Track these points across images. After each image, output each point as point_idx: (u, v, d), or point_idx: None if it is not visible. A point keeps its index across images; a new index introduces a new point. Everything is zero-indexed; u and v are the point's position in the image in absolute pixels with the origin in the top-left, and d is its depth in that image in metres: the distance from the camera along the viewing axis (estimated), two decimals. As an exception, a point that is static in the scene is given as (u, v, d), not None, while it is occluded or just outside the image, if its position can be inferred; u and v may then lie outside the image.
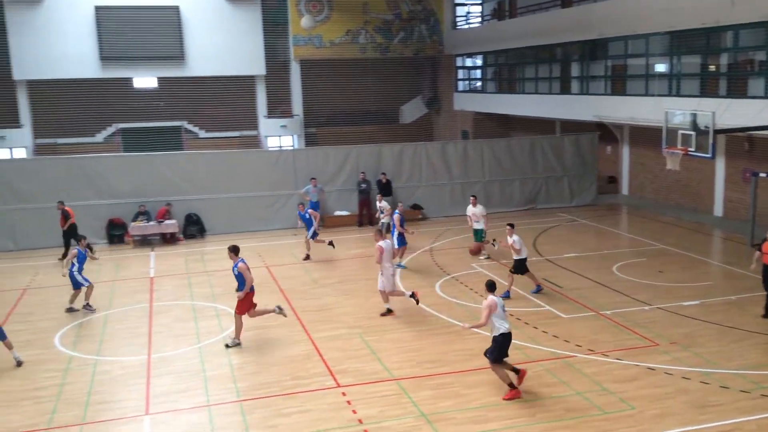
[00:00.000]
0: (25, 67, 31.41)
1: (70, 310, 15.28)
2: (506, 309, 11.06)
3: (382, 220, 20.42)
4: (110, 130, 34.41)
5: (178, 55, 32.98)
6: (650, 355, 12.10)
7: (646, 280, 16.50)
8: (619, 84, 25.17)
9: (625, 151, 27.16)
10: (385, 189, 23.78)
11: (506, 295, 15.32)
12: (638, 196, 26.62)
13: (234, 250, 13.15)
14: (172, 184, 22.61)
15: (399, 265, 17.80)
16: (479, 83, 36.27)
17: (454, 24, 36.75)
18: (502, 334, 10.61)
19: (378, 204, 21.07)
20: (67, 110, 33.16)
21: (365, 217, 23.97)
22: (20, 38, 31.09)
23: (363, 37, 35.51)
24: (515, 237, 15.39)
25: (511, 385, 10.60)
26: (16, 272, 18.81)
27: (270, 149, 33.57)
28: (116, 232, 22.09)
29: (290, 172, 23.68)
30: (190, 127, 35.35)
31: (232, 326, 13.35)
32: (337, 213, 24.05)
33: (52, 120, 33.20)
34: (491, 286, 10.93)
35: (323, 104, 36.54)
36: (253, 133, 35.79)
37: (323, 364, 12.15)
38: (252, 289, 13.11)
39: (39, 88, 32.77)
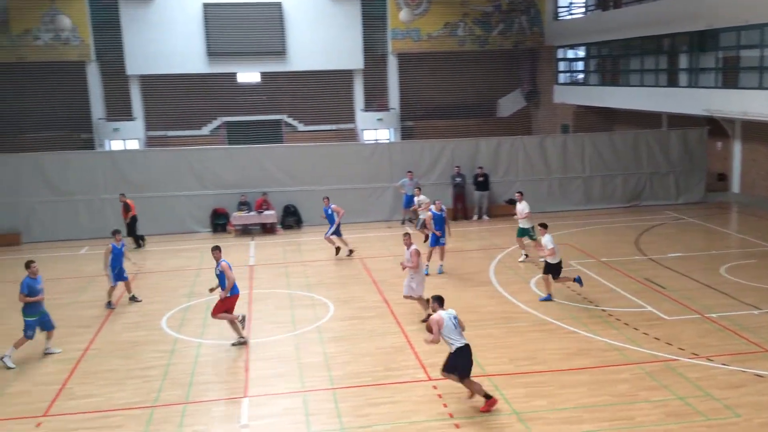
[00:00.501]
0: (138, 62, 33.05)
1: (108, 304, 15.40)
2: (458, 324, 10.20)
3: (420, 216, 20.17)
4: (215, 123, 35.73)
5: (279, 50, 33.82)
6: (758, 362, 11.44)
7: (755, 283, 15.59)
8: (730, 76, 23.84)
9: (737, 147, 25.71)
10: (482, 183, 23.56)
11: (548, 298, 14.91)
12: (750, 194, 25.16)
13: (217, 249, 13.10)
14: (272, 175, 23.26)
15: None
16: (581, 75, 35.27)
17: (556, 15, 35.84)
18: (458, 349, 10.07)
19: (416, 198, 20.70)
20: (176, 104, 34.75)
21: (459, 212, 23.83)
22: (134, 35, 32.73)
23: (461, 29, 35.25)
24: (547, 237, 14.83)
25: (486, 396, 10.12)
26: (137, 257, 19.81)
27: (366, 142, 33.92)
28: (219, 222, 22.94)
29: (386, 165, 23.85)
30: (289, 120, 36.22)
31: (326, 316, 13.62)
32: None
33: (162, 113, 34.86)
34: (440, 301, 10.46)
35: (420, 97, 36.57)
36: (350, 126, 36.28)
37: (415, 356, 12.19)
38: (236, 292, 12.87)
39: (150, 83, 34.45)
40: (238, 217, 22.50)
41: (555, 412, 10.04)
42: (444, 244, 17.18)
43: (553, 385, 10.88)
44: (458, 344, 10.06)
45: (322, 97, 35.81)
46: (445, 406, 10.32)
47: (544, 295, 15.00)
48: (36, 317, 12.50)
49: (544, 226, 15.21)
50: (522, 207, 18.30)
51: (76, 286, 17.15)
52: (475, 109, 36.99)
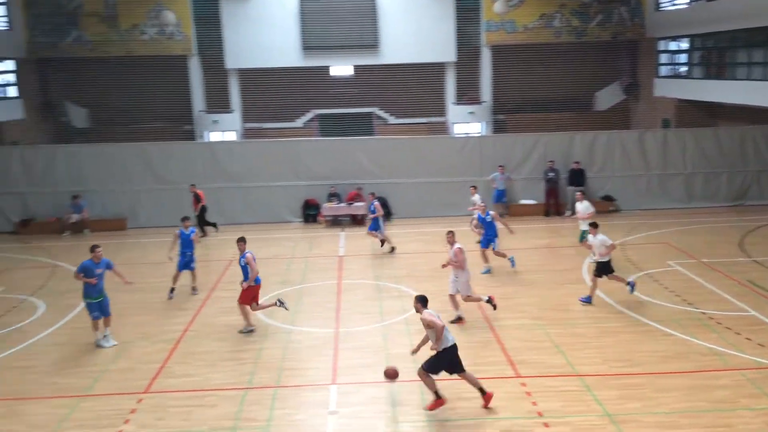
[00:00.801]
0: (237, 56, 34.05)
1: (171, 291, 15.65)
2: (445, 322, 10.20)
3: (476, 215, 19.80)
4: (309, 115, 36.39)
5: (372, 44, 34.04)
6: None
7: None
8: None
9: None
10: (577, 178, 22.98)
11: (587, 300, 14.38)
12: None
13: (242, 241, 13.45)
14: (363, 168, 23.51)
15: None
16: (684, 68, 33.73)
17: (658, 5, 34.40)
18: (445, 349, 9.91)
19: (472, 197, 20.15)
20: (271, 97, 35.61)
21: (552, 207, 23.34)
22: (233, 30, 33.74)
23: (558, 20, 34.38)
24: (600, 237, 14.19)
25: (436, 394, 10.00)
26: (224, 245, 20.54)
27: (457, 135, 33.70)
28: (311, 212, 23.40)
29: (477, 158, 23.64)
30: (381, 113, 36.44)
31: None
32: (523, 202, 23.64)
33: (258, 105, 35.83)
34: (424, 301, 10.23)
35: (513, 90, 35.94)
36: (441, 119, 36.12)
37: (503, 352, 12.06)
38: (258, 282, 13.25)
39: (248, 76, 35.44)
40: (328, 208, 22.87)
41: (649, 415, 9.71)
42: (484, 246, 16.87)
43: (648, 388, 10.51)
44: (447, 344, 9.94)
45: (413, 89, 35.81)
46: (534, 404, 10.16)
47: (584, 295, 14.55)
48: (95, 299, 12.71)
49: (594, 225, 14.64)
50: (583, 207, 17.62)
51: (168, 271, 17.85)
52: (570, 102, 36.04)
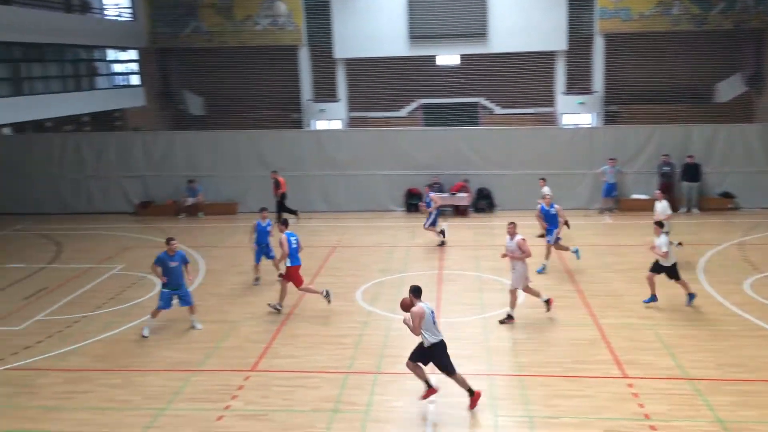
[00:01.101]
0: (345, 46, 34.54)
1: (256, 279, 15.93)
2: (436, 320, 9.86)
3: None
4: (413, 105, 36.46)
5: (480, 33, 33.62)
6: None
7: None
8: None
9: None
10: (692, 172, 21.87)
11: (652, 299, 13.65)
12: None
13: (284, 223, 14.09)
14: (466, 158, 23.32)
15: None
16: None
17: (787, -9, 32.13)
18: (433, 345, 9.60)
19: (541, 189, 19.32)
20: (377, 86, 35.91)
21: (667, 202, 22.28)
22: (342, 20, 34.22)
23: (677, 8, 32.72)
24: (663, 238, 13.28)
25: (427, 383, 9.83)
26: (328, 231, 20.96)
27: (565, 126, 32.82)
28: (413, 201, 23.46)
29: (586, 150, 22.93)
30: (486, 103, 35.99)
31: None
32: (635, 196, 22.71)
33: (363, 95, 36.24)
34: (418, 292, 9.79)
35: (626, 80, 34.56)
36: (549, 110, 35.27)
37: (609, 351, 11.69)
38: (296, 263, 13.72)
39: (355, 66, 35.88)
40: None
41: (766, 425, 9.15)
42: (549, 242, 16.28)
43: (766, 396, 9.90)
44: (434, 341, 9.66)
45: (521, 79, 35.09)
46: (641, 406, 9.80)
47: (648, 296, 13.79)
48: (169, 289, 12.92)
49: (660, 224, 13.83)
50: (662, 207, 16.52)
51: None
52: (687, 93, 34.29)
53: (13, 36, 25.52)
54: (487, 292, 15.00)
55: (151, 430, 9.55)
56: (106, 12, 35.32)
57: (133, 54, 35.29)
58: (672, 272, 13.59)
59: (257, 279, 16.00)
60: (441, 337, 9.79)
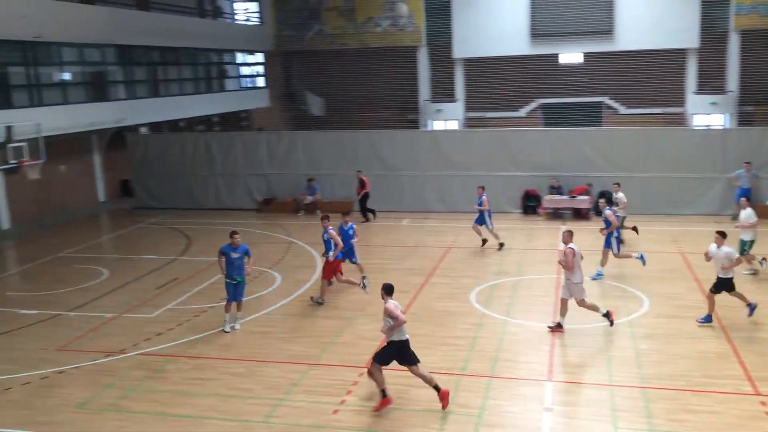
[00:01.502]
0: (465, 46, 34.41)
1: (329, 283, 15.41)
2: None
3: (617, 213, 17.77)
4: (532, 105, 35.78)
5: (606, 30, 32.52)
6: None
7: None
8: None
9: None
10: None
11: (707, 320, 12.53)
12: None
13: (326, 219, 14.60)
14: (588, 160, 22.59)
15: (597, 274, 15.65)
16: None
17: None
18: (400, 341, 9.81)
19: (615, 195, 18.28)
20: (495, 86, 35.53)
21: (807, 211, 20.65)
22: (462, 19, 34.11)
23: (823, 0, 30.30)
24: (725, 249, 12.23)
25: (383, 392, 9.90)
26: (443, 231, 20.93)
27: (695, 128, 31.11)
28: (531, 204, 23.01)
29: (717, 153, 21.64)
30: (610, 102, 34.75)
31: (639, 310, 12.93)
32: (772, 202, 21.21)
33: (481, 95, 35.94)
34: (389, 290, 10.04)
35: (763, 80, 32.33)
36: (678, 110, 33.58)
37: (740, 366, 10.96)
38: (339, 257, 14.40)
39: (473, 65, 35.68)
40: (549, 200, 22.32)
41: None
42: (607, 247, 15.79)
43: None
44: (402, 338, 9.83)
45: (648, 78, 33.62)
46: (776, 427, 9.13)
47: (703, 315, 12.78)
48: (233, 281, 13.15)
49: (722, 235, 12.71)
50: (746, 215, 15.34)
51: (398, 254, 18.58)
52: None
53: (151, 40, 27.27)
54: (607, 299, 14.45)
55: (272, 419, 9.89)
56: (236, 17, 37.02)
57: (259, 57, 36.76)
58: (726, 285, 12.71)
59: (330, 282, 15.52)
60: (406, 336, 9.95)
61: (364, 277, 14.87)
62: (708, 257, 12.90)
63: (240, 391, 10.74)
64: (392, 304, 9.90)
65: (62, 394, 10.86)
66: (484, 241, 18.89)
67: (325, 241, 14.51)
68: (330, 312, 14.22)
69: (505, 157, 23.21)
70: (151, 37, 27.06)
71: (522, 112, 35.89)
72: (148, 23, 27.13)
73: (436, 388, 9.92)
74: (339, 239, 14.44)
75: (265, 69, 36.92)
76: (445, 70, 35.94)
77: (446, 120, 36.25)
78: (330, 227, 14.51)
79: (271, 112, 37.55)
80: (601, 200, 16.89)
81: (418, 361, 9.96)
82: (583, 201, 22.04)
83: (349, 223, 15.60)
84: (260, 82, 36.92)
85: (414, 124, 36.27)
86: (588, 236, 19.86)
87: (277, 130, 34.96)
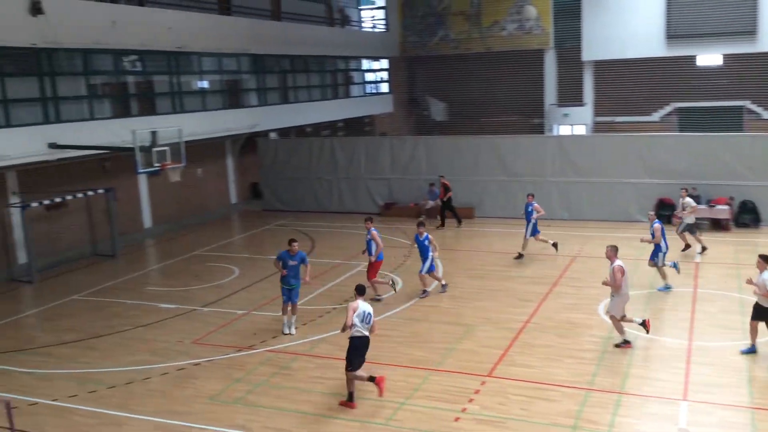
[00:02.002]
0: (594, 48, 33.28)
1: (423, 292, 15.56)
2: (368, 320, 10.45)
3: (685, 220, 17.66)
4: (667, 109, 34.07)
5: (748, 30, 30.44)
6: None
7: None
8: None
9: None
10: None
11: (750, 351, 11.27)
12: None
13: (369, 220, 15.39)
14: (727, 167, 21.20)
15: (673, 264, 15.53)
16: None
17: None
18: (358, 338, 10.33)
19: (681, 199, 17.74)
20: (626, 89, 34.14)
21: None
22: (593, 21, 33.01)
23: None
24: (766, 275, 10.76)
25: (351, 395, 10.42)
26: (568, 240, 20.30)
27: None
28: (665, 212, 21.84)
29: None
30: (753, 107, 32.50)
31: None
32: None
33: (611, 99, 34.65)
34: (360, 290, 10.81)
35: None
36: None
37: None
38: (380, 258, 15.02)
39: (603, 68, 34.45)
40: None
41: None
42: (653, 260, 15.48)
43: None
44: (360, 334, 10.32)
45: (797, 80, 31.19)
46: None
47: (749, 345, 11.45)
48: (288, 286, 13.49)
49: (765, 259, 11.30)
50: None
51: (518, 262, 18.19)
52: None
53: (283, 49, 28.32)
54: (746, 315, 13.45)
55: (392, 422, 9.94)
56: (362, 24, 37.79)
57: (384, 63, 37.32)
58: (763, 314, 11.41)
59: (424, 292, 15.58)
60: (366, 334, 10.47)
61: (394, 283, 15.41)
62: (749, 282, 11.73)
63: (362, 393, 10.86)
64: (355, 303, 10.46)
65: (196, 386, 11.44)
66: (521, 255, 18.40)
67: (367, 241, 15.16)
68: (450, 318, 14.13)
69: (637, 163, 22.22)
70: (283, 46, 28.10)
71: (655, 116, 34.26)
72: (280, 33, 28.20)
73: (371, 378, 10.42)
74: (380, 240, 15.09)
75: (390, 75, 37.42)
76: (572, 73, 34.96)
77: (573, 125, 35.23)
78: (373, 228, 15.22)
79: (393, 117, 38.00)
80: (650, 213, 16.32)
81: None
82: (723, 211, 20.71)
83: (425, 234, 15.38)
84: (384, 87, 37.45)
85: (539, 128, 35.52)
86: (728, 249, 18.69)
87: (400, 135, 35.32)
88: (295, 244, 13.53)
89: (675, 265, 15.69)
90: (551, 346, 12.44)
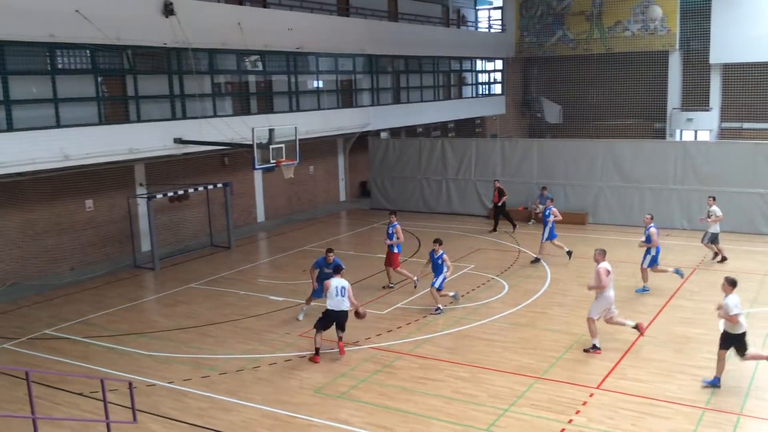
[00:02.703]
0: (723, 50, 31.51)
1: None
2: (343, 293, 12.28)
3: (710, 230, 17.57)
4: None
5: None
6: None
7: None
8: None
9: None
10: None
11: (713, 383, 10.64)
12: None
13: (393, 213, 16.87)
14: None
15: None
16: None
17: None
18: (326, 310, 12.35)
19: (709, 208, 17.61)
20: (756, 94, 32.07)
21: None
22: (722, 22, 31.27)
23: None
24: (734, 298, 9.85)
25: (317, 351, 12.30)
26: (688, 251, 19.30)
27: None
28: (795, 226, 20.42)
29: None
30: None
31: None
32: None
33: (739, 104, 32.67)
34: (338, 270, 12.83)
35: None
36: None
37: None
38: (399, 249, 16.27)
39: (733, 71, 32.55)
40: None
41: None
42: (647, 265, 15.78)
43: None
44: (329, 307, 12.29)
45: None
46: None
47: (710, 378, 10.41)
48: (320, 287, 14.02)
49: (730, 282, 10.29)
50: None
51: (634, 271, 17.43)
52: None
53: (398, 50, 28.57)
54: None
55: (495, 428, 9.78)
56: (479, 25, 37.53)
57: (498, 64, 36.90)
58: (739, 344, 10.33)
59: (436, 310, 14.92)
60: (332, 308, 12.28)
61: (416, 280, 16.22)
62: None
63: (464, 396, 10.77)
64: (332, 280, 12.43)
65: (302, 377, 11.73)
66: (569, 253, 18.59)
67: (389, 234, 16.37)
68: (559, 326, 13.76)
69: (765, 172, 20.85)
70: (398, 46, 28.34)
71: (789, 123, 32.04)
72: (396, 33, 28.45)
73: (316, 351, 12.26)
74: (402, 234, 16.36)
75: (503, 76, 36.93)
76: (699, 76, 33.23)
77: (696, 130, 33.51)
78: (396, 222, 16.43)
79: (504, 119, 37.48)
80: (647, 216, 16.39)
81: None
82: None
83: (440, 251, 14.71)
84: (497, 89, 37.00)
85: (659, 133, 34.01)
86: None
87: (511, 136, 34.78)
88: (331, 254, 14.01)
89: (678, 272, 15.97)
90: (665, 360, 11.86)
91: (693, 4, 32.36)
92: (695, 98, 33.61)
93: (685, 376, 11.24)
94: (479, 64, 35.84)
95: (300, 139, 19.82)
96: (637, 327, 12.59)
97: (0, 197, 17.27)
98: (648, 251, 15.84)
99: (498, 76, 36.97)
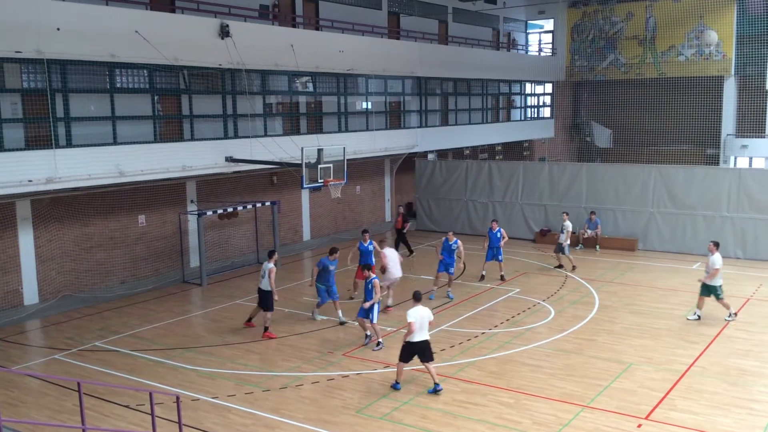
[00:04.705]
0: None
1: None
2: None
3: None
4: None
5: None
6: None
7: None
8: None
9: None
10: None
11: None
12: None
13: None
14: None
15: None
16: None
17: None
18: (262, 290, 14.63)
19: None
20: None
21: None
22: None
23: None
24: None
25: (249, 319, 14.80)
26: (742, 281, 18.75)
27: None
28: None
29: None
30: None
31: None
32: None
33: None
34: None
35: None
36: None
37: None
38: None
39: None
40: None
41: None
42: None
43: None
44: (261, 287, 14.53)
45: None
46: None
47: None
48: (323, 286, 15.57)
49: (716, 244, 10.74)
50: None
51: (687, 300, 16.97)
52: None
53: (448, 72, 28.65)
54: None
55: (538, 456, 9.60)
56: (529, 48, 37.45)
57: (548, 87, 36.68)
58: None
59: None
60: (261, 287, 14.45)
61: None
62: None
63: (508, 422, 10.60)
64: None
65: (344, 397, 11.71)
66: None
67: (369, 252, 17.26)
68: (608, 354, 13.47)
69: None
70: (448, 68, 28.42)
71: None
72: (446, 56, 28.56)
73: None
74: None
75: (553, 99, 36.68)
76: (755, 102, 32.45)
77: (752, 157, 32.66)
78: (370, 242, 17.51)
79: (553, 142, 37.15)
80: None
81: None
82: None
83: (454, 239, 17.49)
84: (546, 112, 36.75)
85: (712, 159, 33.25)
86: None
87: (559, 160, 34.42)
88: (336, 254, 15.54)
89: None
90: (718, 393, 11.49)
91: (750, 29, 31.70)
92: (750, 124, 32.82)
93: (740, 409, 10.88)
94: (528, 87, 35.68)
95: (348, 160, 19.97)
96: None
97: (58, 211, 17.81)
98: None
99: (548, 99, 36.73)
